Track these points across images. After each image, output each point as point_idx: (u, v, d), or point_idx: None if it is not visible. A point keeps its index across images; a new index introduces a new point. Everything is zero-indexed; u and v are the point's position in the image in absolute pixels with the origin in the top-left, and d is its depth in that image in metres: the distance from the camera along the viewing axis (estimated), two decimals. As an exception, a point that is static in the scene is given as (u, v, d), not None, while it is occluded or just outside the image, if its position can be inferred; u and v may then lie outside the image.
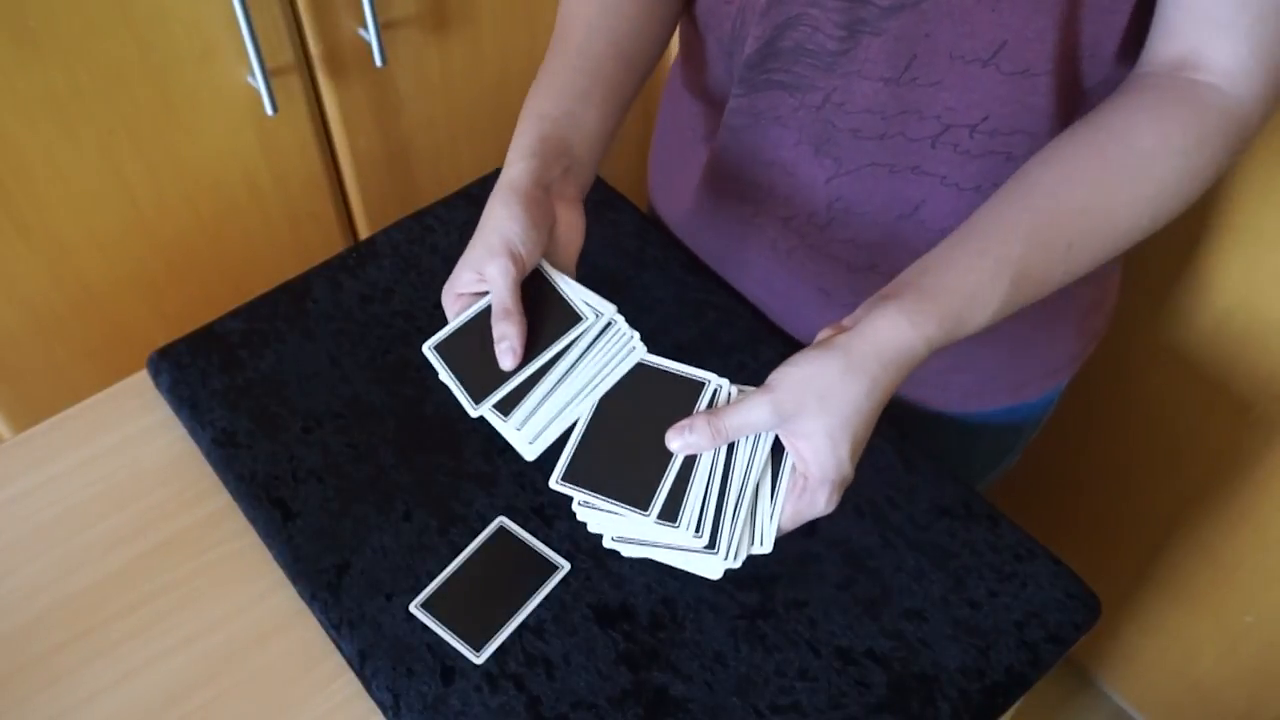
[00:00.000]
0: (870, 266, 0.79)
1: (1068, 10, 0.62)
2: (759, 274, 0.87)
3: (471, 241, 0.69)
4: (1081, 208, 0.62)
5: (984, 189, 0.71)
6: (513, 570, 0.73)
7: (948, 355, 0.81)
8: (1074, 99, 0.68)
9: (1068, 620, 0.72)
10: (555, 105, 0.72)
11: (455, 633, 0.71)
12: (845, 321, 0.63)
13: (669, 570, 0.73)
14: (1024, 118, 0.67)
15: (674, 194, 0.93)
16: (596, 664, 0.70)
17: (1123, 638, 1.43)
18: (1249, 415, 1.09)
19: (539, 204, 0.68)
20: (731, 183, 0.82)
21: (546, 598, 0.72)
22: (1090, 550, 1.36)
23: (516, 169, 0.69)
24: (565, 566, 0.73)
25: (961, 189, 0.72)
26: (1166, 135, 0.62)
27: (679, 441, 0.63)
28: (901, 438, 0.80)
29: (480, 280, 0.68)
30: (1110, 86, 0.68)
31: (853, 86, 0.69)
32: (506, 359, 0.66)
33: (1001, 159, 0.70)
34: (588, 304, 0.70)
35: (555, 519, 0.76)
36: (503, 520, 0.76)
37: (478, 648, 0.70)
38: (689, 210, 0.91)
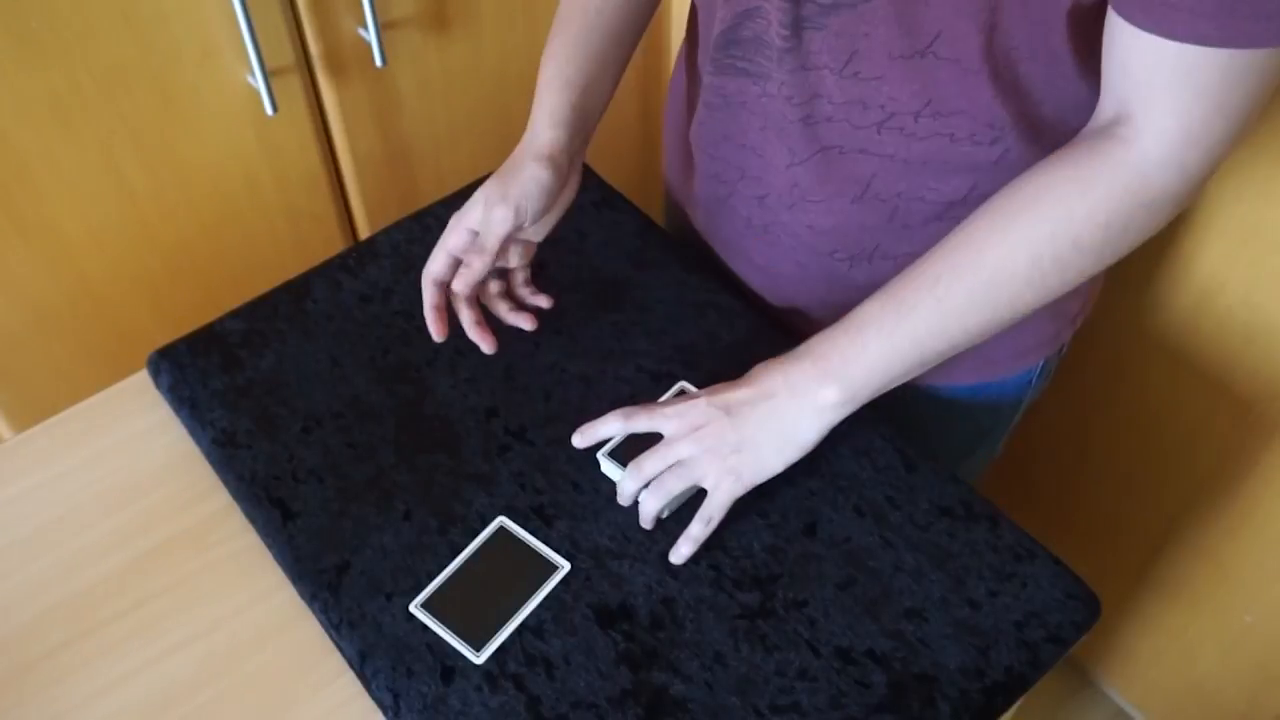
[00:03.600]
0: (830, 252, 0.81)
1: (988, 17, 0.63)
2: (739, 249, 0.89)
3: (492, 181, 0.78)
4: (952, 247, 0.68)
5: (931, 164, 0.73)
6: (513, 570, 0.73)
7: None
8: (1019, 96, 0.68)
9: (1068, 620, 0.72)
10: (580, 72, 0.79)
11: (455, 632, 0.71)
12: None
13: (669, 570, 0.74)
14: (963, 99, 0.69)
15: (673, 167, 0.96)
16: (596, 664, 0.70)
17: (1123, 637, 1.43)
18: (1249, 415, 1.09)
19: (562, 172, 0.78)
20: (709, 161, 0.85)
21: (546, 598, 0.72)
22: (1090, 550, 1.36)
23: (548, 136, 0.78)
24: (565, 566, 0.73)
25: (909, 163, 0.74)
26: (1052, 180, 0.65)
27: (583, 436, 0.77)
28: (902, 438, 0.80)
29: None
30: (1071, 100, 0.69)
31: (798, 79, 0.71)
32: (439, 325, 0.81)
33: (945, 140, 0.71)
34: None
35: (555, 519, 0.76)
36: (503, 520, 0.76)
37: (478, 647, 0.70)
38: (682, 183, 0.94)
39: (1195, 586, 1.28)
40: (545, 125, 0.78)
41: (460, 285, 0.79)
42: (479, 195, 0.79)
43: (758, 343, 0.86)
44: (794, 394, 0.72)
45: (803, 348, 0.73)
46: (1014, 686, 0.70)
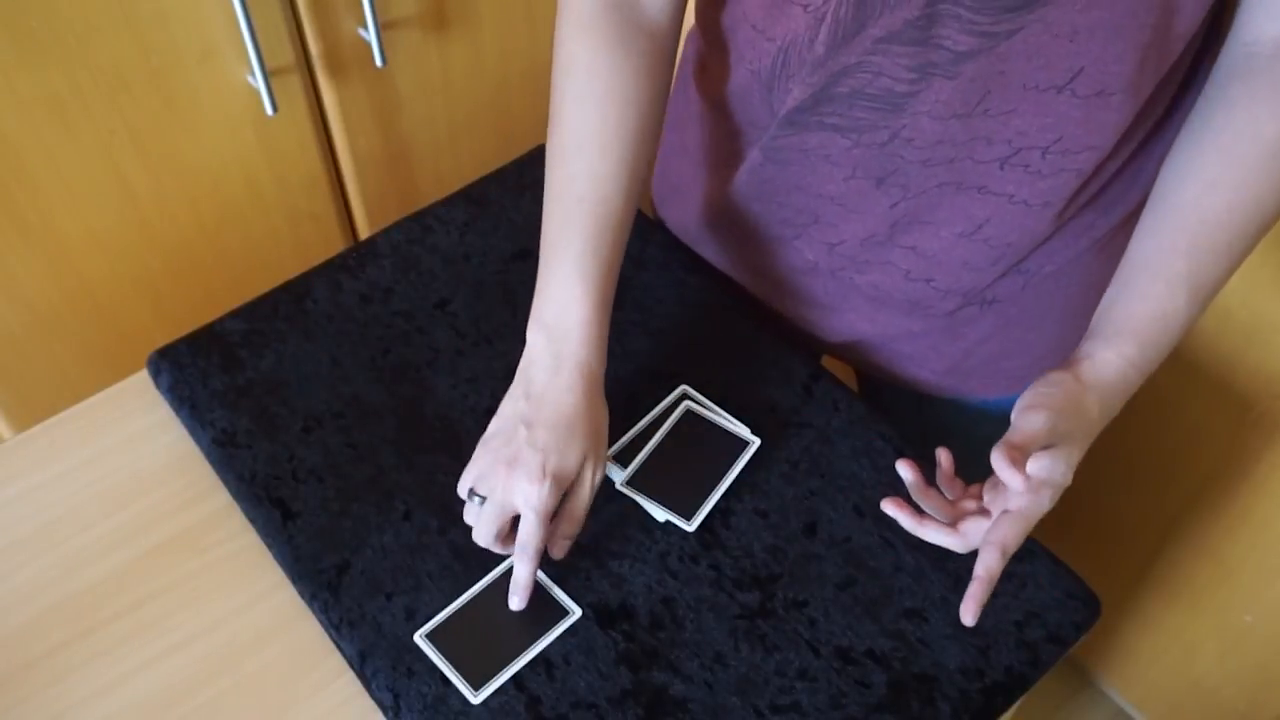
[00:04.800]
0: (926, 279, 0.78)
1: (1160, 27, 0.61)
2: (795, 290, 0.86)
3: (557, 425, 0.70)
4: (1228, 207, 0.65)
5: (1052, 204, 0.71)
6: (523, 610, 0.71)
7: (998, 342, 0.82)
8: (1141, 99, 0.67)
9: (1068, 620, 0.72)
10: (609, 276, 0.73)
11: (456, 669, 0.69)
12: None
13: (669, 570, 0.74)
14: (1094, 135, 0.67)
15: (688, 209, 0.91)
16: (596, 664, 0.70)
17: (1123, 637, 1.43)
18: (1250, 415, 1.09)
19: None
20: (775, 209, 0.81)
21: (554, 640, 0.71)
22: (1090, 550, 1.36)
23: (595, 357, 0.72)
24: (576, 613, 0.72)
25: (1030, 205, 0.71)
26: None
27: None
28: (904, 438, 0.80)
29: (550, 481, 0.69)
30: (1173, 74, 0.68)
31: (922, 124, 0.68)
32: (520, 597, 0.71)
33: (1071, 175, 0.69)
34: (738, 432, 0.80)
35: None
36: None
37: (476, 687, 0.69)
38: (708, 225, 0.89)
39: (1195, 586, 1.28)
40: (587, 337, 0.72)
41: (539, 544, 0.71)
42: (571, 444, 0.70)
43: (758, 343, 0.86)
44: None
45: (1123, 370, 0.68)
46: (1014, 686, 0.70)
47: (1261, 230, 0.66)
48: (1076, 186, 0.70)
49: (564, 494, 0.71)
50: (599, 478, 0.72)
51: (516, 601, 0.71)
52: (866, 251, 0.78)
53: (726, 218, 0.86)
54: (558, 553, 0.72)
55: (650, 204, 1.02)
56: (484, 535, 0.71)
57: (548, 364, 0.72)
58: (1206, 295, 0.67)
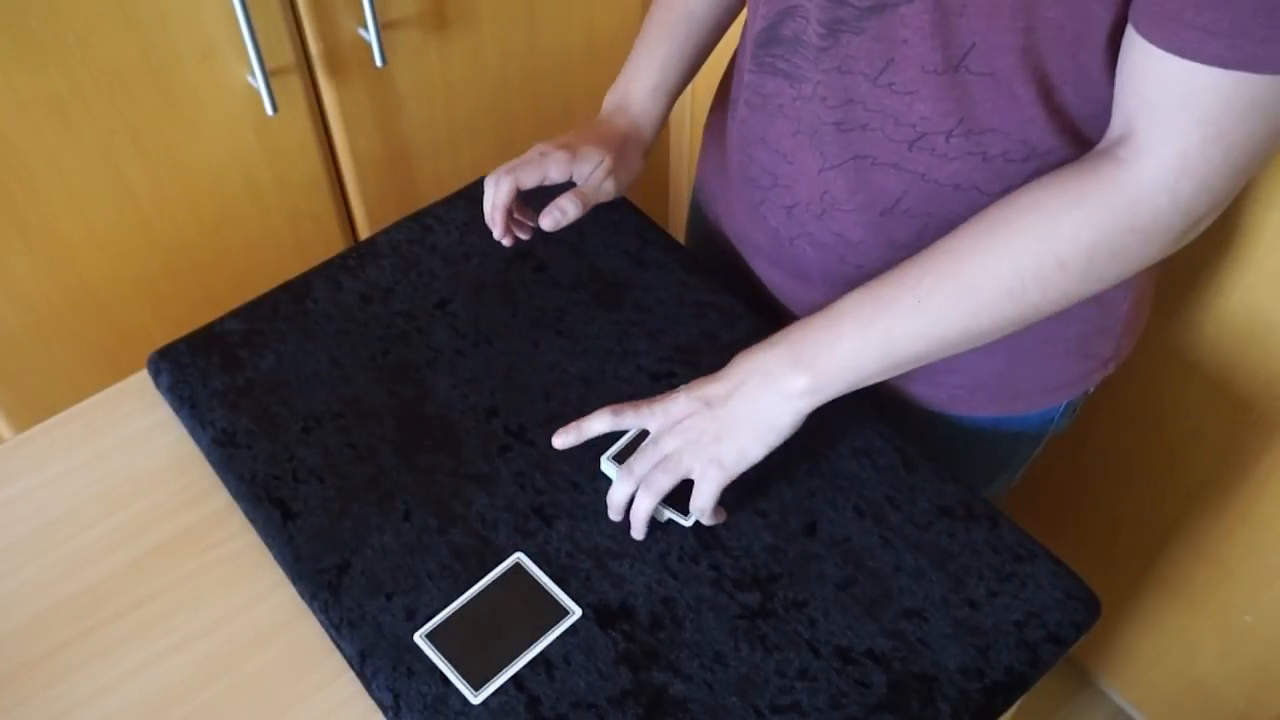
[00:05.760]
0: (857, 266, 0.80)
1: (1025, 32, 0.62)
2: (773, 256, 0.88)
3: (590, 133, 0.83)
4: (940, 251, 0.68)
5: (962, 187, 0.72)
6: (522, 609, 0.72)
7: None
8: (1052, 111, 0.67)
9: (1068, 620, 0.72)
10: (679, 76, 0.88)
11: (456, 669, 0.69)
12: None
13: (669, 570, 0.74)
14: (995, 117, 0.68)
15: (708, 166, 0.95)
16: (596, 664, 0.70)
17: (1123, 637, 1.43)
18: (1250, 415, 1.09)
19: (640, 152, 0.86)
20: (745, 163, 0.84)
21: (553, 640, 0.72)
22: (1090, 550, 1.36)
23: (648, 126, 0.88)
24: (576, 613, 0.72)
25: (940, 185, 0.73)
26: (1043, 196, 0.64)
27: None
28: (902, 438, 0.80)
29: (567, 153, 0.81)
30: (1105, 116, 0.68)
31: (834, 81, 0.71)
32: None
33: (977, 159, 0.70)
34: None
35: (555, 519, 0.76)
36: (519, 557, 0.74)
37: (476, 687, 0.69)
38: (717, 181, 0.93)
39: (1195, 586, 1.28)
40: (650, 122, 0.88)
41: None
42: (594, 143, 0.83)
43: (757, 343, 0.86)
44: (767, 381, 0.72)
45: (781, 334, 0.73)
46: (1014, 686, 0.70)
47: (962, 291, 0.67)
48: (988, 171, 0.71)
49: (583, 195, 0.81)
50: (609, 187, 0.82)
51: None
52: (811, 222, 0.80)
53: (725, 173, 0.90)
54: (548, 222, 0.79)
55: (656, 203, 1.02)
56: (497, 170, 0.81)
57: (610, 114, 0.87)
58: (896, 346, 0.70)
